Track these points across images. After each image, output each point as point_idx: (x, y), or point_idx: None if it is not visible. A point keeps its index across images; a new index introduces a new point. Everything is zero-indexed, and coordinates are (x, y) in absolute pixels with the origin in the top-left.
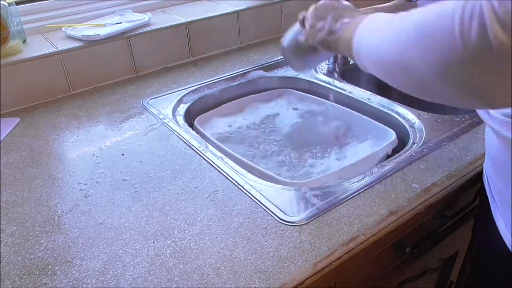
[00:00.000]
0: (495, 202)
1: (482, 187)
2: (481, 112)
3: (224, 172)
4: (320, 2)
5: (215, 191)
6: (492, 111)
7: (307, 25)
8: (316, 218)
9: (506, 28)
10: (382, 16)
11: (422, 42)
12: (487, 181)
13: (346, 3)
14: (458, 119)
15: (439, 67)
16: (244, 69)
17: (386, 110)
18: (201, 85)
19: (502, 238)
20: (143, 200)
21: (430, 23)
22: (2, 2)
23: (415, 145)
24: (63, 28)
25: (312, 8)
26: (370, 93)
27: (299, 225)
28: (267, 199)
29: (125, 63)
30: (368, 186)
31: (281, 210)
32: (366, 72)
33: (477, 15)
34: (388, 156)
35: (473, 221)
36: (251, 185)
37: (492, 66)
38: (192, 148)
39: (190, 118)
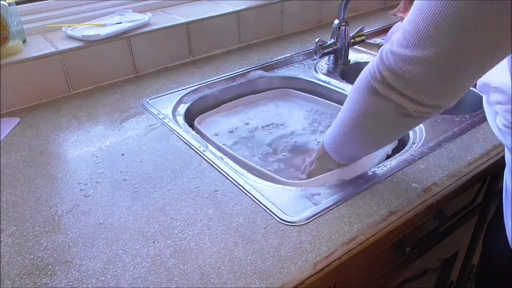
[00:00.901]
0: (509, 202)
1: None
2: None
3: (224, 172)
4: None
5: (215, 191)
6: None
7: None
8: (316, 218)
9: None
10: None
11: None
12: (505, 184)
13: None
14: (458, 119)
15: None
16: (244, 69)
17: None
18: (201, 85)
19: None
20: (143, 200)
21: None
22: (2, 2)
23: (415, 145)
24: (63, 28)
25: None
26: None
27: (299, 225)
28: (267, 199)
29: (125, 63)
30: (368, 186)
31: (281, 210)
32: None
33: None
34: (388, 156)
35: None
36: (251, 185)
37: None
38: (192, 148)
39: (190, 118)
